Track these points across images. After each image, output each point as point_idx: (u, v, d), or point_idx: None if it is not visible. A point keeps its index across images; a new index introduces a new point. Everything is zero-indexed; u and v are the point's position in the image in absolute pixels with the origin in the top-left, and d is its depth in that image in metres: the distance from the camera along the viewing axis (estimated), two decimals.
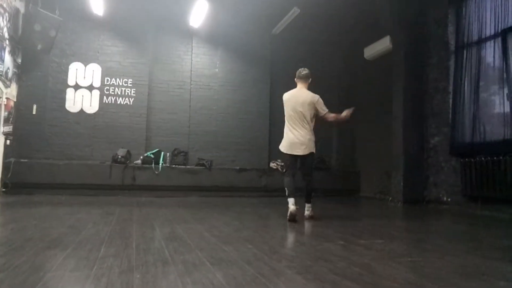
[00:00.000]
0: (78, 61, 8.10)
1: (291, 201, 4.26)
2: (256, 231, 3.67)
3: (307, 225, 4.15)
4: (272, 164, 8.66)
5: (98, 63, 8.20)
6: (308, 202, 4.51)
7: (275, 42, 9.16)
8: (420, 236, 3.74)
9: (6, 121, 6.88)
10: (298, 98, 4.52)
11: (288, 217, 4.17)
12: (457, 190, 6.16)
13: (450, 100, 6.49)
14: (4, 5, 6.50)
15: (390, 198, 7.21)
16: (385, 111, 7.80)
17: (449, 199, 6.39)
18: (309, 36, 9.22)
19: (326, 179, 8.67)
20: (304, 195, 4.55)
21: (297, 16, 7.88)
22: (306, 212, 4.47)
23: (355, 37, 9.00)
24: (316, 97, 4.58)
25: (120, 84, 8.26)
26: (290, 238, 3.31)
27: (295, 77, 4.72)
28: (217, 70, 8.80)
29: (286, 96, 4.67)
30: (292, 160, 4.51)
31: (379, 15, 7.75)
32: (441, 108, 6.75)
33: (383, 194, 7.80)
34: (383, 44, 7.75)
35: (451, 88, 6.51)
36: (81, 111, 8.03)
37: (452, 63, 6.54)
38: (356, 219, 5.13)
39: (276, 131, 9.10)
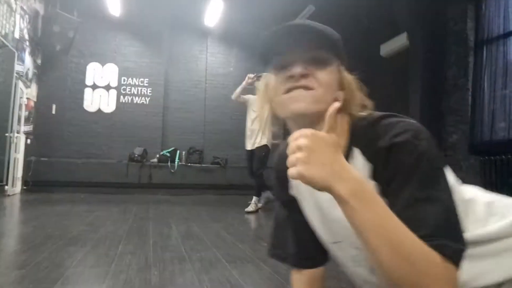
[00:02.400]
0: (95, 61, 8.24)
1: None
2: (270, 229, 3.67)
3: None
4: None
5: (115, 63, 8.32)
6: None
7: None
8: None
9: (27, 120, 7.04)
10: None
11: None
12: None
13: (469, 98, 6.36)
14: (24, 7, 6.65)
15: None
16: (401, 109, 7.69)
17: None
18: None
19: None
20: None
21: (312, 13, 7.84)
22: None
23: (371, 34, 8.89)
24: None
25: (137, 83, 8.36)
26: None
27: None
28: (232, 69, 8.82)
29: None
30: None
31: (396, 11, 7.64)
32: (459, 105, 6.61)
33: None
34: (400, 41, 7.63)
35: (470, 85, 6.37)
36: (99, 110, 8.17)
37: (471, 59, 6.40)
38: None
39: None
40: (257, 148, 4.66)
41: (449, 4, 6.95)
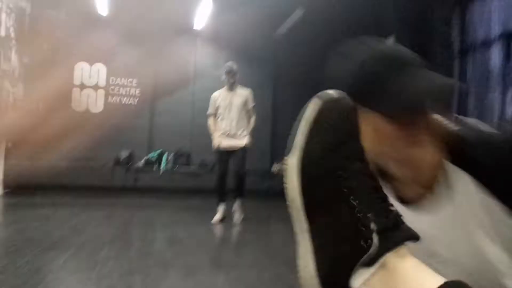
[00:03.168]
0: (83, 61, 8.14)
1: None
2: (258, 234, 3.66)
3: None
4: (275, 168, 8.65)
5: (103, 63, 8.23)
6: None
7: (279, 43, 9.17)
8: None
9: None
10: None
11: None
12: None
13: (454, 103, 6.46)
14: (11, 5, 6.54)
15: None
16: None
17: None
18: (313, 38, 9.21)
19: None
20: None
21: (302, 17, 7.89)
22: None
23: (359, 39, 8.98)
24: None
25: (125, 84, 8.29)
26: (291, 241, 3.29)
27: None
28: (221, 71, 8.82)
29: None
30: None
31: (384, 15, 7.74)
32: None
33: None
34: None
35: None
36: (86, 110, 8.05)
37: (456, 65, 6.51)
38: None
39: (278, 134, 9.13)
40: (241, 147, 4.34)
41: (435, 9, 7.06)
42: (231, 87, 4.52)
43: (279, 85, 9.21)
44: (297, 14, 7.81)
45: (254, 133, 4.61)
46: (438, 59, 6.91)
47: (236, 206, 4.29)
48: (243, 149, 4.35)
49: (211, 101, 4.53)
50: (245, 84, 9.25)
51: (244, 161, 4.37)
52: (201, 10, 7.83)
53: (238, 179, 4.32)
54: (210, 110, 4.50)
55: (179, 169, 7.83)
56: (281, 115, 9.17)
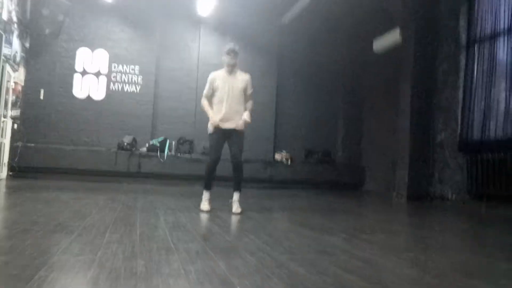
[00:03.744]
0: (85, 46, 8.10)
1: None
2: (259, 222, 3.69)
3: (310, 218, 4.16)
4: (277, 156, 8.66)
5: (106, 49, 8.19)
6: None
7: (283, 32, 9.09)
8: (423, 232, 3.74)
9: (14, 105, 6.91)
10: None
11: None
12: (462, 187, 6.13)
13: (460, 96, 6.42)
14: None
15: (395, 193, 7.20)
16: (392, 105, 7.74)
17: (454, 196, 6.36)
18: (318, 27, 9.13)
19: (331, 172, 8.66)
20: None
21: (306, 5, 7.79)
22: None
23: (365, 29, 8.89)
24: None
25: (127, 71, 8.26)
26: (292, 230, 3.33)
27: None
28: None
29: None
30: None
31: (390, 6, 7.64)
32: (450, 103, 6.68)
33: (388, 189, 7.79)
34: (393, 36, 7.65)
35: (461, 83, 6.43)
36: (88, 97, 8.05)
37: (463, 57, 6.45)
38: (359, 214, 5.14)
39: (281, 122, 9.11)
40: (238, 131, 4.12)
41: (443, 1, 6.97)
42: (232, 70, 4.21)
43: (283, 73, 9.15)
44: (303, 2, 7.71)
45: (252, 116, 4.30)
46: (445, 51, 6.84)
47: (235, 197, 4.11)
48: (240, 135, 4.13)
49: (209, 81, 4.20)
50: (249, 72, 9.18)
51: (241, 148, 4.14)
52: None
53: (237, 169, 4.11)
54: (207, 91, 4.20)
55: (182, 155, 7.86)
56: (284, 103, 9.14)
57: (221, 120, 4.07)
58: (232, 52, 4.18)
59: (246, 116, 4.09)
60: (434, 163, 6.85)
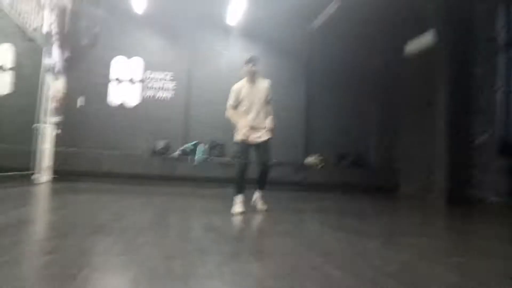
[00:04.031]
0: (120, 55, 8.39)
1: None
2: (292, 224, 3.67)
3: (343, 220, 4.10)
4: (309, 160, 8.60)
5: (140, 57, 8.45)
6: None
7: (312, 37, 9.04)
8: (464, 237, 3.59)
9: (55, 112, 7.24)
10: None
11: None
12: (503, 190, 5.85)
13: (498, 97, 6.15)
14: (53, 3, 6.82)
15: (432, 197, 6.96)
16: (427, 108, 7.51)
17: (495, 200, 6.08)
18: (348, 31, 9.02)
19: (364, 175, 8.50)
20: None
21: (336, 10, 7.71)
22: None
23: (397, 31, 8.70)
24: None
25: (160, 78, 8.47)
26: (327, 233, 3.28)
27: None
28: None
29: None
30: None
31: (422, 8, 7.44)
32: (488, 105, 6.41)
33: (425, 192, 7.54)
34: (426, 39, 7.44)
35: (499, 84, 6.16)
36: (123, 104, 8.32)
37: (501, 58, 6.18)
38: (395, 217, 5.00)
39: (312, 127, 9.05)
40: (267, 139, 4.29)
41: (478, 2, 6.71)
42: (253, 78, 4.34)
43: (313, 78, 9.10)
44: (332, 7, 7.64)
45: (274, 123, 4.42)
46: (481, 52, 6.58)
47: (258, 196, 4.36)
48: (267, 143, 4.30)
49: (233, 93, 4.36)
50: (279, 78, 9.22)
51: (270, 153, 4.33)
52: (234, 5, 7.83)
53: (264, 171, 4.29)
54: (232, 102, 4.35)
55: (214, 159, 7.96)
56: (314, 108, 9.08)
57: (249, 131, 4.23)
58: (251, 61, 4.29)
59: (268, 124, 4.29)
60: (473, 166, 6.58)
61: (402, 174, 8.67)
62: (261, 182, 4.38)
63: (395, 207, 6.31)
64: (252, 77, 4.33)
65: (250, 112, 4.28)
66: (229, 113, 4.39)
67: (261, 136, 4.26)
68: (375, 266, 2.10)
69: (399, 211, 5.84)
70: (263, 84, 4.40)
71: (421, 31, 7.57)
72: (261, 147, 4.27)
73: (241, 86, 4.37)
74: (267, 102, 4.38)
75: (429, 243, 2.96)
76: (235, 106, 4.35)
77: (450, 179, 6.64)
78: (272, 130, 4.31)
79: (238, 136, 4.29)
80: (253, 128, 4.26)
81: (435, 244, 2.99)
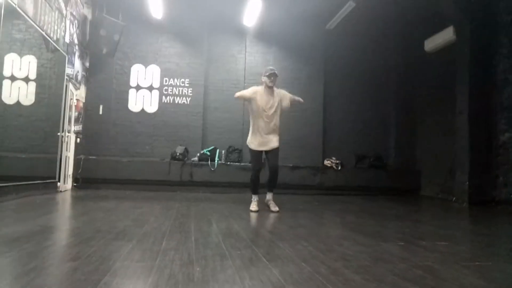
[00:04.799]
0: (139, 63, 8.55)
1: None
2: (311, 229, 3.65)
3: (363, 224, 4.05)
4: (327, 162, 8.53)
5: (157, 64, 8.59)
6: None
7: (329, 37, 9.00)
8: (489, 239, 3.50)
9: (77, 120, 7.43)
10: None
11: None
12: None
13: None
14: (74, 13, 7.02)
15: (454, 198, 6.81)
16: (448, 106, 7.36)
17: None
18: (364, 30, 8.95)
19: (384, 177, 8.38)
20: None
21: (353, 9, 7.66)
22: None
23: (415, 29, 8.58)
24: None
25: (178, 84, 8.58)
26: (346, 237, 3.25)
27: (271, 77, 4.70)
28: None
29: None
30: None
31: (442, 4, 7.31)
32: (511, 102, 6.24)
33: (446, 194, 7.38)
34: (446, 35, 7.31)
35: None
36: (142, 110, 8.46)
37: None
38: (416, 220, 4.90)
39: (330, 128, 8.98)
40: (277, 146, 4.75)
41: None
42: (270, 91, 4.71)
43: (330, 79, 9.05)
44: (349, 6, 7.58)
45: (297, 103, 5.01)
46: (503, 48, 6.42)
47: (270, 196, 4.76)
48: (276, 149, 4.71)
49: (251, 90, 4.73)
50: (296, 80, 9.25)
51: (277, 158, 4.74)
52: (250, 8, 7.87)
53: (274, 173, 4.69)
54: (246, 93, 4.72)
55: (232, 164, 7.99)
56: (332, 109, 9.02)
57: (259, 137, 4.69)
58: (272, 76, 4.66)
59: (278, 142, 4.75)
60: (498, 165, 6.40)
61: (423, 176, 8.51)
62: (271, 184, 4.77)
63: (415, 210, 6.19)
64: (270, 90, 4.70)
65: (261, 121, 4.67)
66: (237, 94, 4.73)
67: (271, 144, 4.68)
68: (397, 271, 2.07)
69: (419, 214, 5.72)
70: (279, 93, 4.77)
71: (440, 27, 7.44)
72: (271, 153, 4.70)
73: (257, 90, 4.72)
74: (285, 105, 4.79)
75: (452, 247, 2.89)
76: (245, 98, 4.72)
77: (473, 180, 6.48)
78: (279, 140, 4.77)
79: (251, 146, 4.77)
80: (263, 137, 4.69)
81: (459, 248, 2.92)
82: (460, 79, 6.88)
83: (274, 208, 4.67)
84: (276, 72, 4.70)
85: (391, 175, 8.50)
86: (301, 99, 4.92)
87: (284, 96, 4.80)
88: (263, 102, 4.63)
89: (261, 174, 4.79)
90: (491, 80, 6.60)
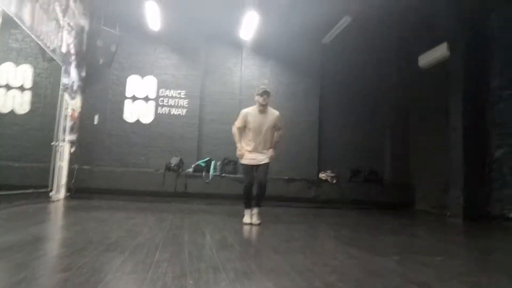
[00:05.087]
0: (135, 73, 8.56)
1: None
2: (306, 242, 3.63)
3: (358, 238, 4.03)
4: (322, 175, 8.54)
5: (154, 75, 8.61)
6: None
7: (325, 51, 9.10)
8: (484, 255, 3.49)
9: (71, 130, 7.39)
10: None
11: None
12: None
13: None
14: (71, 24, 7.04)
15: (449, 213, 6.81)
16: (442, 121, 7.43)
17: None
18: (360, 45, 9.05)
19: (378, 191, 8.39)
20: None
21: (348, 24, 7.77)
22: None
23: (409, 45, 8.70)
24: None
25: (174, 95, 8.60)
26: (341, 250, 3.23)
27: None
28: (267, 81, 8.88)
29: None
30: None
31: (435, 20, 7.44)
32: (506, 118, 6.30)
33: (441, 209, 7.38)
34: (440, 51, 7.41)
35: None
36: (137, 121, 8.45)
37: None
38: (411, 234, 4.89)
39: (325, 142, 9.01)
40: (267, 162, 4.72)
41: (492, 13, 6.69)
42: (263, 110, 4.73)
43: (326, 93, 9.11)
44: (345, 21, 7.70)
45: (278, 147, 4.97)
46: (497, 64, 6.51)
47: (255, 211, 4.66)
48: (266, 165, 4.72)
49: (241, 116, 4.77)
50: (292, 93, 9.29)
51: (265, 174, 4.71)
52: (247, 22, 7.94)
53: (260, 188, 4.65)
54: (239, 123, 4.76)
55: (226, 176, 7.97)
56: (328, 122, 9.06)
57: (251, 157, 4.69)
58: (265, 94, 4.67)
59: (270, 154, 4.73)
60: (492, 181, 6.43)
61: (417, 190, 8.53)
62: (258, 200, 4.71)
63: (410, 224, 6.18)
64: (263, 108, 4.73)
65: (253, 139, 4.70)
66: (234, 130, 4.82)
67: (262, 160, 4.69)
68: (392, 286, 2.05)
69: (414, 228, 5.72)
70: (272, 115, 4.79)
71: (434, 43, 7.54)
72: (260, 168, 4.66)
73: (248, 112, 4.77)
74: (277, 129, 4.82)
75: (447, 262, 2.88)
76: (241, 128, 4.76)
77: (467, 195, 6.50)
78: (271, 158, 4.75)
79: (242, 161, 4.78)
80: (256, 153, 4.70)
81: (454, 263, 2.91)
82: (454, 95, 6.96)
83: (256, 221, 4.60)
84: (268, 90, 4.72)
85: (386, 189, 8.51)
86: (272, 153, 4.79)
87: (275, 119, 4.78)
88: (255, 122, 4.70)
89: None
90: (485, 96, 6.68)
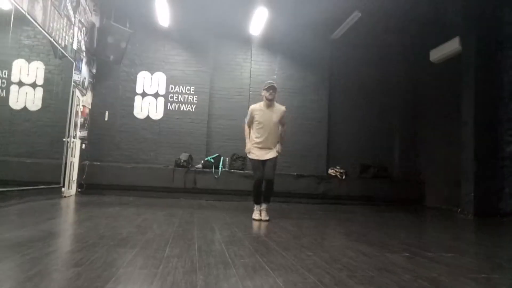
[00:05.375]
0: (145, 70, 8.61)
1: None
2: (315, 238, 3.63)
3: (368, 234, 4.02)
4: (331, 171, 8.51)
5: (163, 72, 8.64)
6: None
7: (334, 47, 9.04)
8: (495, 251, 3.46)
9: (82, 126, 7.48)
10: None
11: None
12: None
13: None
14: (82, 20, 7.10)
15: (459, 210, 6.75)
16: (453, 117, 7.34)
17: None
18: (370, 40, 8.97)
19: (388, 187, 8.34)
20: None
21: (359, 19, 7.69)
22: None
23: (420, 39, 8.59)
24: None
25: (184, 91, 8.63)
26: (351, 247, 3.22)
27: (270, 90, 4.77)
28: (275, 76, 8.85)
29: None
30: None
31: (448, 15, 7.33)
32: None
33: (451, 205, 7.32)
34: (452, 46, 7.31)
35: None
36: (147, 117, 8.50)
37: None
38: (421, 230, 4.86)
39: (334, 138, 8.97)
40: (274, 157, 4.78)
41: (505, 7, 6.56)
42: (270, 104, 4.79)
43: (335, 88, 9.07)
44: (355, 16, 7.62)
45: (284, 143, 5.06)
46: (510, 61, 6.41)
47: (264, 207, 4.74)
48: (274, 159, 4.78)
49: (249, 112, 4.85)
50: (301, 89, 9.27)
51: (273, 169, 4.76)
52: (256, 17, 7.92)
53: (268, 184, 4.72)
54: (248, 120, 4.88)
55: (235, 171, 7.99)
56: (337, 118, 9.02)
57: (257, 148, 4.77)
58: (271, 89, 4.74)
59: (277, 149, 4.80)
60: (503, 177, 6.35)
61: (427, 186, 8.45)
62: (266, 196, 4.78)
63: (420, 220, 6.14)
64: (269, 103, 4.78)
65: (260, 133, 4.76)
66: (246, 129, 4.95)
67: (269, 154, 4.74)
68: (402, 282, 2.05)
69: (424, 224, 5.68)
70: (279, 110, 4.84)
71: (446, 38, 7.44)
72: (268, 164, 4.69)
73: (255, 108, 4.85)
74: (282, 124, 4.87)
75: (458, 259, 2.86)
76: (250, 123, 4.87)
77: (478, 191, 6.43)
78: (279, 147, 4.84)
79: (250, 156, 4.83)
80: (263, 148, 4.76)
81: (464, 260, 2.89)
82: (466, 90, 6.87)
83: (265, 217, 4.66)
84: (275, 85, 4.75)
85: (396, 185, 8.46)
86: (279, 149, 4.86)
87: (281, 115, 4.83)
88: (262, 117, 4.76)
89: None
90: (497, 91, 6.58)
